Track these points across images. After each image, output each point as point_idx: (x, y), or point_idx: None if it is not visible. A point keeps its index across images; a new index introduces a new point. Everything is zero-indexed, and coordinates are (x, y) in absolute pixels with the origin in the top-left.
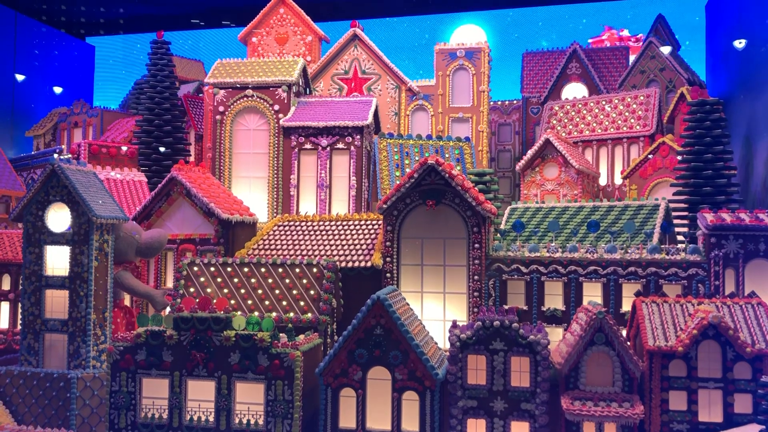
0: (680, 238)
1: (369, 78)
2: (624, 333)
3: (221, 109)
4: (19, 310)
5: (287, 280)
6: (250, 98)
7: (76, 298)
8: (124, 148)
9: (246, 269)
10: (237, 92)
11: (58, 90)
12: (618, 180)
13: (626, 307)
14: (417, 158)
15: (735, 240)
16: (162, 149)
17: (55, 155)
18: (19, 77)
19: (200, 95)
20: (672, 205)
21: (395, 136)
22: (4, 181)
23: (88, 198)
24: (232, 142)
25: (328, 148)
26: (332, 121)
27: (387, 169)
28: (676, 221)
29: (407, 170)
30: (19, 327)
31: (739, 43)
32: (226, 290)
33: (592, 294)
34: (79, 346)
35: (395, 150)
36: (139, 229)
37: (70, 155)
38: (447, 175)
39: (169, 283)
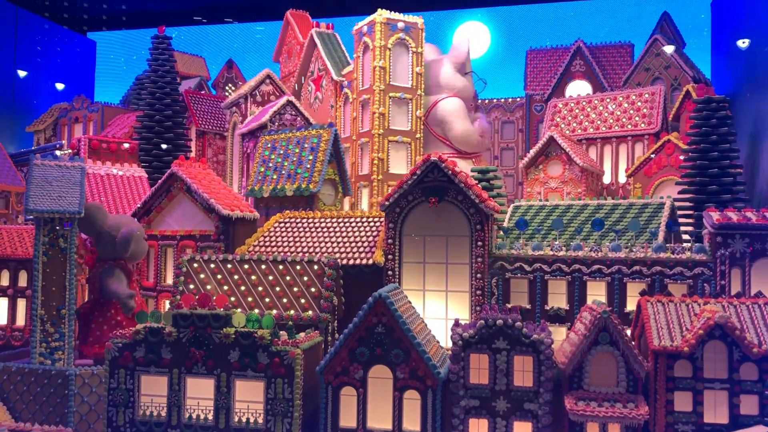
0: (686, 237)
1: (321, 76)
2: (629, 333)
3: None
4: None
5: (288, 278)
6: (234, 114)
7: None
8: (126, 145)
9: (246, 266)
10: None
11: (60, 86)
12: (622, 178)
13: (631, 306)
14: (282, 152)
15: (741, 239)
16: (164, 146)
17: (57, 152)
18: (21, 73)
19: (201, 91)
20: (677, 204)
21: (273, 132)
22: (4, 176)
23: (33, 191)
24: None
25: (251, 151)
26: (249, 126)
27: (255, 166)
28: (681, 220)
29: (271, 164)
30: (17, 323)
31: (743, 43)
32: (226, 287)
33: (597, 293)
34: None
35: (268, 146)
36: (119, 225)
37: (69, 150)
38: (450, 172)
39: (169, 280)
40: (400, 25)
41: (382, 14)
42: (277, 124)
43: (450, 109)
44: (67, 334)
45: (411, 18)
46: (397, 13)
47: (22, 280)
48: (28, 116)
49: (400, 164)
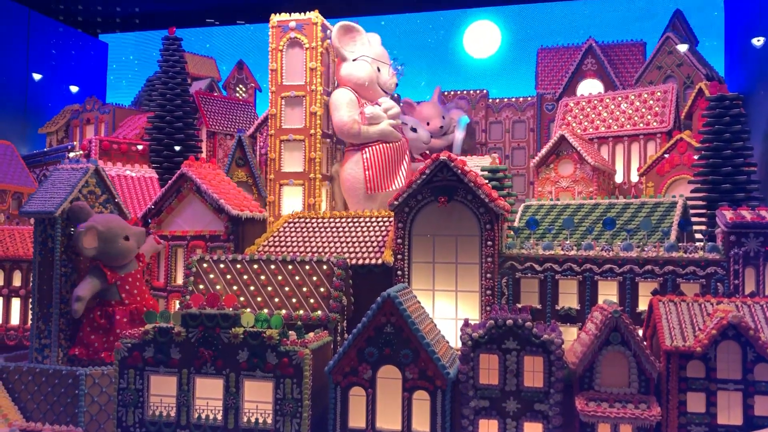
0: (698, 236)
1: None
2: (640, 333)
3: None
4: None
5: (297, 278)
6: None
7: None
8: (140, 147)
9: (255, 266)
10: None
11: (74, 89)
12: (634, 177)
13: (643, 306)
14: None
15: (755, 238)
16: (177, 148)
17: (71, 153)
18: (36, 76)
19: (212, 92)
20: (690, 203)
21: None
22: (17, 177)
23: (36, 194)
24: None
25: None
26: None
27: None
28: (694, 219)
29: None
30: (29, 323)
31: (757, 41)
32: (235, 287)
33: (608, 293)
34: None
35: None
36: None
37: (81, 152)
38: (459, 171)
39: (179, 280)
40: (291, 24)
41: (274, 19)
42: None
43: (330, 101)
44: (53, 332)
45: (305, 15)
46: (297, 14)
47: None
48: (41, 118)
49: (296, 162)
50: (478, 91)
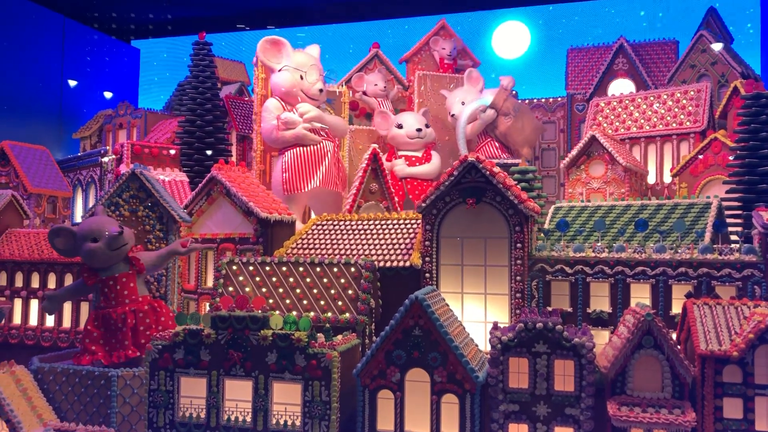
0: (734, 237)
1: None
2: (674, 336)
3: None
4: None
5: (325, 280)
6: None
7: None
8: (172, 152)
9: (284, 268)
10: None
11: (108, 95)
12: (667, 178)
13: (676, 309)
14: None
15: None
16: (209, 152)
17: (104, 158)
18: (72, 83)
19: (242, 96)
20: (725, 204)
21: None
22: (52, 182)
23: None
24: None
25: None
26: None
27: None
28: (729, 220)
29: None
30: (63, 325)
31: None
32: (264, 289)
33: (640, 295)
34: None
35: None
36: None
37: (113, 156)
38: (488, 172)
39: (210, 283)
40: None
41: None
42: None
43: None
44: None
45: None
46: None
47: (68, 283)
48: (75, 123)
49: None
50: None
